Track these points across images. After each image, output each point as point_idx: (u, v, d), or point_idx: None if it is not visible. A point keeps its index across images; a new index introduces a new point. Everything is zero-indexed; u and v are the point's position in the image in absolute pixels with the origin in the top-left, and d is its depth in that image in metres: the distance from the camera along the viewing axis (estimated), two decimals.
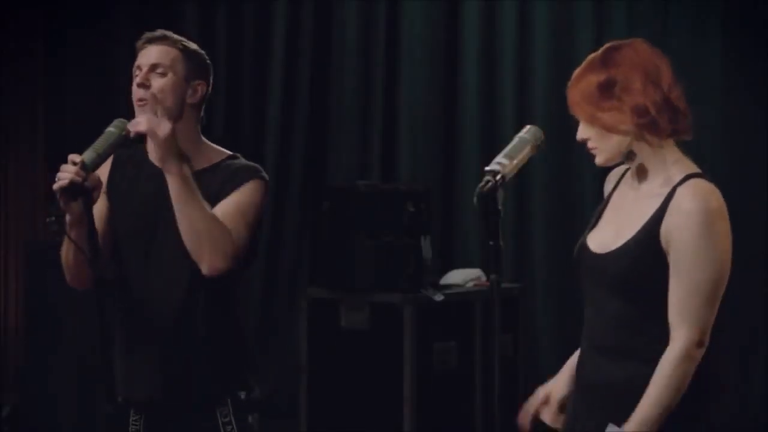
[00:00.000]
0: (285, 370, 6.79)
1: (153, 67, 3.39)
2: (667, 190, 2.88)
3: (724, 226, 2.85)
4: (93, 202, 3.22)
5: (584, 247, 2.99)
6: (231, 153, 3.50)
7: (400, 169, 6.80)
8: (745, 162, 6.11)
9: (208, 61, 3.54)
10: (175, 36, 3.46)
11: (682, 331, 2.82)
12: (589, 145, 2.94)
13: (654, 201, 2.89)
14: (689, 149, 6.70)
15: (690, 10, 6.25)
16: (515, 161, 2.80)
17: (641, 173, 2.95)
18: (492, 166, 2.75)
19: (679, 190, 2.86)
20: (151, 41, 3.43)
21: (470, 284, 5.94)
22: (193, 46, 3.49)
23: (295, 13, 6.99)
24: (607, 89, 2.88)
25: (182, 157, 3.26)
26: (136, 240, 3.36)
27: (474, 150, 6.65)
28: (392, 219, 5.75)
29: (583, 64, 2.95)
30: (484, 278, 5.91)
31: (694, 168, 2.92)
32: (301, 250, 6.98)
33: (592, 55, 2.95)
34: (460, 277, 5.98)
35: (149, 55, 3.41)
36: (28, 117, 6.99)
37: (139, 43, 3.44)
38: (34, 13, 6.97)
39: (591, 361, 2.98)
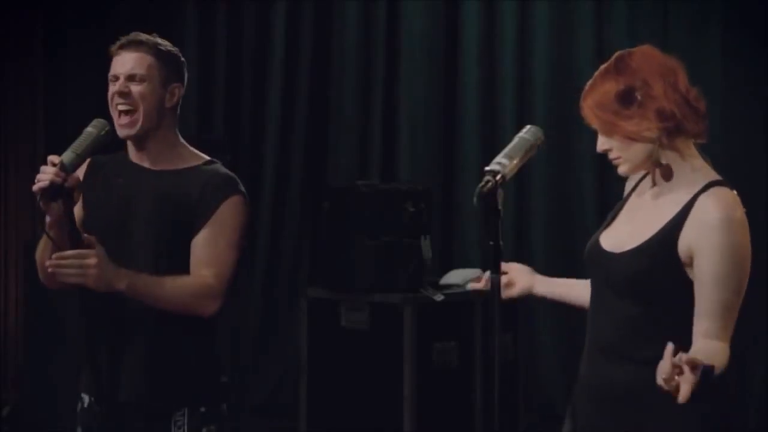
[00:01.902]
0: (285, 370, 6.80)
1: (130, 77, 3.40)
2: (688, 197, 2.87)
3: (747, 236, 2.87)
4: (73, 202, 3.23)
5: (597, 245, 2.98)
6: (208, 158, 3.50)
7: (400, 169, 6.80)
8: (745, 162, 6.11)
9: (182, 59, 3.51)
10: (149, 39, 3.45)
11: (719, 336, 2.81)
12: (612, 155, 2.92)
13: (674, 206, 2.88)
14: None
15: (690, 10, 6.25)
16: (515, 161, 2.79)
17: (663, 177, 2.93)
18: (492, 166, 2.75)
19: (701, 198, 2.86)
20: (125, 47, 3.42)
21: (470, 284, 5.93)
22: (167, 47, 3.47)
23: (295, 13, 6.99)
24: (627, 97, 2.87)
25: (120, 272, 3.23)
26: (108, 238, 3.35)
27: (474, 150, 6.65)
28: (392, 219, 5.74)
29: (595, 75, 2.94)
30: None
31: (715, 175, 2.92)
32: (301, 250, 6.98)
33: (604, 66, 2.94)
34: (460, 277, 5.98)
35: (125, 63, 3.41)
36: (28, 117, 6.99)
37: (113, 49, 3.44)
38: (33, 13, 6.97)
39: (593, 362, 2.98)
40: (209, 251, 3.34)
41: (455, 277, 6.00)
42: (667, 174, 2.93)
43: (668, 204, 2.89)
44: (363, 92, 6.91)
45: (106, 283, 3.22)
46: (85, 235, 3.24)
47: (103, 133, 3.29)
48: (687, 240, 2.83)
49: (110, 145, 3.36)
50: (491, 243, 2.72)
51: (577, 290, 3.19)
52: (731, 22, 6.16)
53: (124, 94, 3.39)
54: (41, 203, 3.21)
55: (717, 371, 2.70)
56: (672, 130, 2.88)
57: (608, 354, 2.92)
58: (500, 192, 2.73)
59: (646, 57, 2.91)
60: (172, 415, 3.38)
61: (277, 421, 6.68)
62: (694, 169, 2.92)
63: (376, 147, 6.88)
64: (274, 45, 7.01)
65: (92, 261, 3.19)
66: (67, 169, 3.18)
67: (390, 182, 6.46)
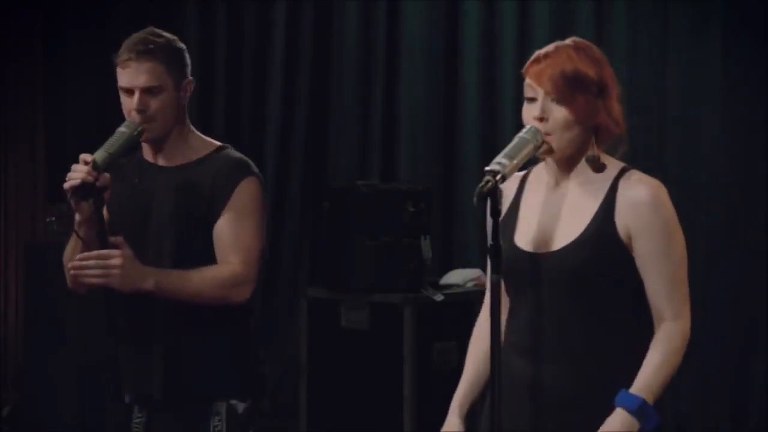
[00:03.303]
0: (285, 370, 6.79)
1: (146, 90, 3.35)
2: (607, 183, 2.86)
3: (673, 209, 2.87)
4: (103, 202, 3.21)
5: (516, 250, 2.91)
6: (219, 144, 3.49)
7: (400, 169, 6.79)
8: (745, 162, 6.11)
9: (183, 47, 3.44)
10: (155, 41, 3.37)
11: (678, 312, 2.82)
12: (543, 129, 2.87)
13: (595, 194, 2.86)
14: (689, 149, 6.67)
15: (690, 10, 6.25)
16: (515, 161, 2.79)
17: (570, 169, 2.91)
18: (492, 166, 2.74)
19: (622, 181, 2.86)
20: (135, 59, 3.35)
21: (470, 284, 5.94)
22: (172, 45, 3.41)
23: (295, 13, 6.99)
24: (593, 86, 2.87)
25: (145, 271, 3.24)
26: (130, 239, 3.34)
27: (474, 150, 6.64)
28: (392, 219, 5.74)
29: (566, 47, 2.88)
30: (484, 278, 5.90)
31: (623, 163, 2.92)
32: (301, 250, 6.98)
33: (575, 44, 2.89)
34: (460, 277, 5.98)
35: (138, 76, 3.35)
36: (28, 117, 6.99)
37: (121, 59, 3.36)
38: (33, 13, 6.97)
39: (533, 366, 2.89)
40: (233, 237, 3.32)
41: (455, 277, 6.00)
42: (570, 165, 2.90)
43: (587, 194, 2.88)
44: (363, 93, 6.91)
45: (132, 284, 3.21)
46: (113, 237, 3.23)
47: (135, 133, 3.29)
48: (623, 220, 2.83)
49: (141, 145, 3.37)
50: (491, 243, 2.71)
51: (479, 379, 3.10)
52: (731, 22, 6.16)
53: (143, 111, 3.35)
54: (71, 202, 3.19)
55: (666, 378, 2.79)
56: (607, 132, 2.88)
57: (551, 356, 2.87)
58: (500, 192, 2.73)
59: (605, 59, 2.92)
60: (210, 417, 3.38)
61: (277, 421, 6.67)
62: (604, 159, 2.90)
63: (376, 147, 6.88)
64: (274, 45, 7.00)
65: (117, 261, 3.18)
66: (99, 168, 3.17)
67: (390, 182, 6.46)
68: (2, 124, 6.92)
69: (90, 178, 3.15)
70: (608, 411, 2.81)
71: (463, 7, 6.70)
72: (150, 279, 3.23)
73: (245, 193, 3.36)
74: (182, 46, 3.46)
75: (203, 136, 3.51)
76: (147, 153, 3.46)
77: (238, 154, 3.45)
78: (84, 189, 3.16)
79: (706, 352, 5.88)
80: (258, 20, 7.04)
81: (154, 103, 3.36)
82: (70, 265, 3.22)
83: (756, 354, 6.13)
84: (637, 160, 2.99)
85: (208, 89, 6.96)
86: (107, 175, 3.20)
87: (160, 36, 3.42)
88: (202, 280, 3.29)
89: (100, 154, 3.20)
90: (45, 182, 6.95)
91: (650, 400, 2.78)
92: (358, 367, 5.69)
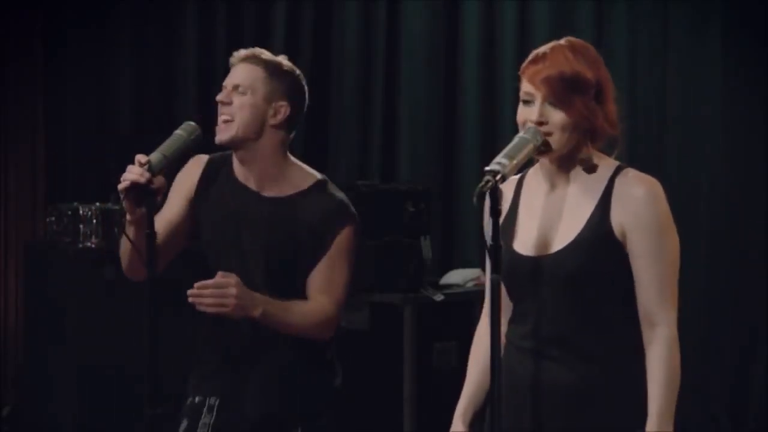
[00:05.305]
0: None
1: (235, 87, 3.40)
2: (602, 182, 2.86)
3: (669, 208, 2.86)
4: (156, 204, 3.19)
5: (514, 254, 2.91)
6: (318, 178, 3.50)
7: (400, 169, 6.80)
8: (745, 162, 6.11)
9: (302, 83, 3.50)
10: (267, 56, 3.46)
11: (665, 314, 2.82)
12: (543, 129, 2.87)
13: (591, 194, 2.86)
14: (690, 149, 6.67)
15: (690, 10, 6.25)
16: (515, 161, 2.78)
17: (566, 171, 2.90)
18: (492, 166, 2.74)
19: (618, 179, 2.85)
20: (243, 60, 3.44)
21: (470, 284, 5.94)
22: (286, 66, 3.48)
23: (295, 13, 6.99)
24: (595, 89, 2.86)
25: (255, 300, 3.27)
26: (220, 252, 3.38)
27: (474, 150, 6.64)
28: (392, 219, 5.74)
29: (563, 47, 2.89)
30: (484, 278, 5.90)
31: (618, 162, 2.91)
32: None
33: (571, 44, 2.90)
34: (460, 277, 5.98)
35: (234, 74, 3.43)
36: (28, 117, 6.99)
37: (232, 60, 3.46)
38: (33, 13, 6.97)
39: (536, 368, 2.90)
40: (327, 279, 3.40)
41: (455, 277, 6.00)
42: (566, 167, 2.90)
43: (583, 195, 2.87)
44: (363, 93, 6.91)
45: (244, 312, 3.24)
46: (222, 273, 3.24)
47: (192, 137, 3.28)
48: (618, 219, 2.82)
49: (198, 151, 3.39)
50: (491, 243, 2.71)
51: (482, 386, 3.08)
52: (731, 22, 6.16)
53: (225, 104, 3.41)
54: (124, 202, 3.17)
55: (675, 395, 2.78)
56: (601, 134, 2.87)
57: (553, 356, 2.87)
58: (500, 192, 2.73)
59: (601, 60, 2.91)
60: (292, 426, 3.41)
61: None
62: (596, 160, 2.89)
63: (376, 147, 6.88)
64: (274, 45, 7.00)
65: (233, 291, 3.20)
66: (153, 170, 3.14)
67: (390, 182, 6.46)
68: (2, 124, 6.91)
69: (143, 180, 3.12)
70: (610, 410, 2.82)
71: (463, 7, 6.71)
72: (259, 308, 3.26)
73: (344, 240, 3.45)
74: (296, 73, 3.50)
75: (302, 165, 3.52)
76: (238, 171, 3.45)
77: (338, 194, 3.50)
78: (137, 190, 3.13)
79: (706, 352, 5.88)
80: (258, 20, 7.04)
81: (237, 100, 3.38)
82: (189, 293, 3.20)
83: (756, 354, 6.14)
84: (637, 160, 2.99)
85: (208, 90, 6.96)
86: (162, 178, 3.18)
87: (285, 60, 3.50)
88: (300, 315, 3.35)
89: (155, 156, 3.17)
90: (45, 182, 6.94)
91: (669, 427, 2.77)
92: (358, 367, 5.68)
